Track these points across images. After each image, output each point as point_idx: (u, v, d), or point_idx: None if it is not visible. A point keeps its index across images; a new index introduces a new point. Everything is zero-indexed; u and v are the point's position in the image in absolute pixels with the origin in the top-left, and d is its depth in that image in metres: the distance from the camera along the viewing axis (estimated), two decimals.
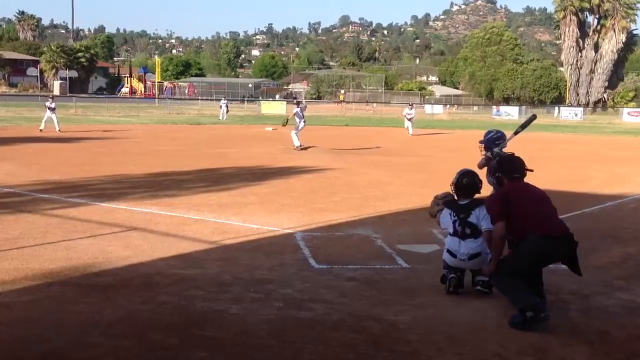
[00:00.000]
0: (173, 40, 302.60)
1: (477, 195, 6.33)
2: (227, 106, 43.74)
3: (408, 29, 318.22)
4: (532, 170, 6.01)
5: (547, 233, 5.48)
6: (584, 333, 5.23)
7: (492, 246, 5.69)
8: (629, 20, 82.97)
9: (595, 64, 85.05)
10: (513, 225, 5.57)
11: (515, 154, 6.15)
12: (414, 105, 33.25)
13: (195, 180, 13.71)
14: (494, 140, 7.28)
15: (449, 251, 6.20)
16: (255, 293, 6.03)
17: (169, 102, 58.62)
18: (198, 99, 71.88)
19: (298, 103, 22.35)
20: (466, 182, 6.27)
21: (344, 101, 73.54)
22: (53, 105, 27.25)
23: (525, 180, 5.90)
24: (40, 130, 26.22)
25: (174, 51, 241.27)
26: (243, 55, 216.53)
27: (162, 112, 48.25)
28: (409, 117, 30.90)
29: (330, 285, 6.34)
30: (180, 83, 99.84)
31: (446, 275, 6.18)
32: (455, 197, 6.37)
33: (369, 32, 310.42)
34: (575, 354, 4.79)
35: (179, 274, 6.56)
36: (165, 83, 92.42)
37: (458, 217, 6.16)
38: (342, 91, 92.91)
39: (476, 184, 6.30)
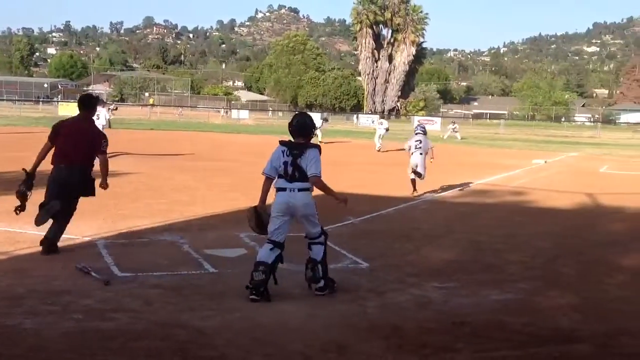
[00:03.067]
0: None
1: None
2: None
3: (214, 33, 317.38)
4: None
5: (61, 163, 7.64)
6: (380, 328, 5.53)
7: None
8: (418, 34, 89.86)
9: (389, 74, 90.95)
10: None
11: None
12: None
13: None
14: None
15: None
16: (51, 305, 5.68)
17: None
18: None
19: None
20: (296, 122, 6.38)
21: (153, 105, 71.58)
22: None
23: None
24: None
25: None
26: (38, 54, 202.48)
27: None
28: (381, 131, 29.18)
29: (134, 294, 6.15)
30: None
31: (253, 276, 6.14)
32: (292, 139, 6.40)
33: (174, 35, 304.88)
34: (373, 349, 5.06)
35: None
36: None
37: (292, 155, 6.23)
38: (147, 94, 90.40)
39: (307, 125, 6.42)
